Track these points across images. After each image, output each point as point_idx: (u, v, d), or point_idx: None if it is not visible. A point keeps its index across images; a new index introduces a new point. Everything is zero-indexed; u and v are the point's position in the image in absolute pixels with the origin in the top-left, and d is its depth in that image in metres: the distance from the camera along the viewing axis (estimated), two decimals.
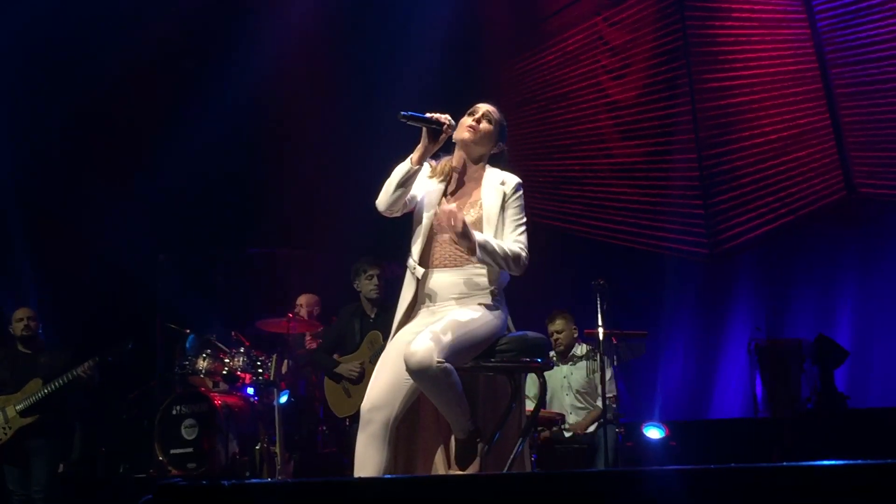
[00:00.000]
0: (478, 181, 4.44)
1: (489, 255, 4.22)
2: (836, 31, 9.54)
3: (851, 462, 2.93)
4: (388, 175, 4.50)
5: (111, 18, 9.93)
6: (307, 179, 10.20)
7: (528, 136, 10.63)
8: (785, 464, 3.13)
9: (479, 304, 4.31)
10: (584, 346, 7.84)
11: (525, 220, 4.41)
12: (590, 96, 10.50)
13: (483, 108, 4.50)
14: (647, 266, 10.04)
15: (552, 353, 7.70)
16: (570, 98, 10.59)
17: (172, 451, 8.21)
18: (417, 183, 4.48)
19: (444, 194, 4.49)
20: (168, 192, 10.30)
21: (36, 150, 10.14)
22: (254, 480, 7.39)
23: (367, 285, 7.80)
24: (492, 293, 4.34)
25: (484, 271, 4.34)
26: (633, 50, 10.36)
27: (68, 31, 9.85)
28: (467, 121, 4.47)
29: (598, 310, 7.13)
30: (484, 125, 4.46)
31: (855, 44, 9.47)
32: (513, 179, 4.44)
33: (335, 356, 7.96)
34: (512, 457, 4.28)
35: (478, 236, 4.20)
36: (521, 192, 4.44)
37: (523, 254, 4.31)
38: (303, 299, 8.92)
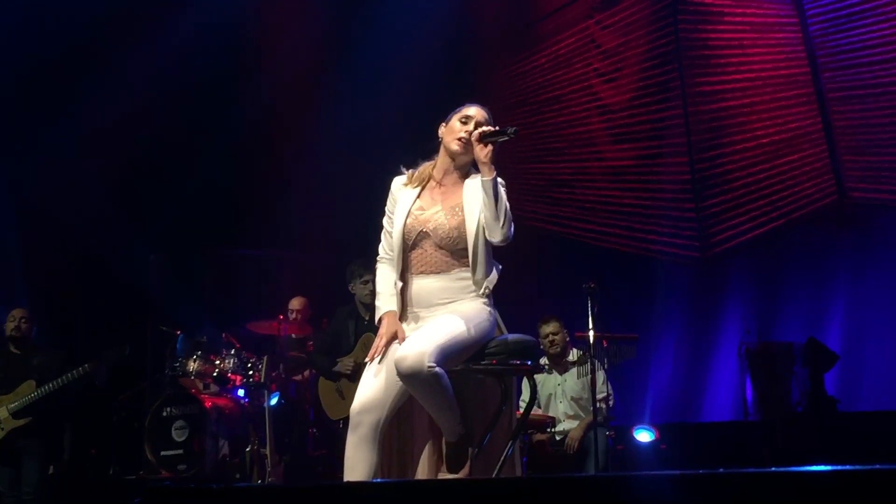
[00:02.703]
0: (460, 186, 4.39)
1: (498, 190, 4.22)
2: (827, 36, 9.55)
3: (842, 468, 2.93)
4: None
5: (111, 17, 9.91)
6: (298, 181, 10.19)
7: (519, 140, 10.51)
8: (775, 469, 3.12)
9: (469, 305, 4.28)
10: (576, 351, 7.82)
11: (509, 207, 4.33)
12: (582, 99, 10.51)
13: (477, 115, 4.39)
14: (638, 269, 10.04)
15: (543, 359, 7.68)
16: (562, 101, 10.59)
17: (163, 453, 8.21)
18: (395, 195, 4.48)
19: (418, 197, 4.43)
20: (159, 194, 10.29)
21: (28, 151, 10.11)
22: (242, 484, 7.38)
23: (362, 290, 7.79)
24: (480, 294, 4.31)
25: (469, 274, 4.31)
26: (625, 53, 10.36)
27: (64, 29, 9.84)
28: (460, 129, 4.37)
29: (589, 313, 7.13)
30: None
31: (847, 48, 9.48)
32: None
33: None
34: (502, 460, 4.26)
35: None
36: (502, 188, 4.36)
37: (513, 225, 4.27)
38: (296, 303, 8.90)
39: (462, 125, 4.38)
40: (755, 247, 9.82)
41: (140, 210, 10.11)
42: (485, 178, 4.22)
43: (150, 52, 10.01)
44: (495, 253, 4.41)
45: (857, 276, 9.32)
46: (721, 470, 3.07)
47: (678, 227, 9.99)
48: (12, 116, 9.95)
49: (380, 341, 4.31)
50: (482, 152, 4.23)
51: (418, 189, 4.45)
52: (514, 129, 4.23)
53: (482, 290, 4.30)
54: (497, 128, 4.31)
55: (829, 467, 2.96)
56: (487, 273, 4.31)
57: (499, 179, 4.32)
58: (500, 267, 4.41)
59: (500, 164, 4.45)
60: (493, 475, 4.19)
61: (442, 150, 4.46)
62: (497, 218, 4.21)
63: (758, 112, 9.84)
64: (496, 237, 4.24)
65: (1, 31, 9.61)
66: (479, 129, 4.29)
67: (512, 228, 4.26)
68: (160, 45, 10.04)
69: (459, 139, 4.35)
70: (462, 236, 4.29)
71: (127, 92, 10.01)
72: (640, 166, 10.23)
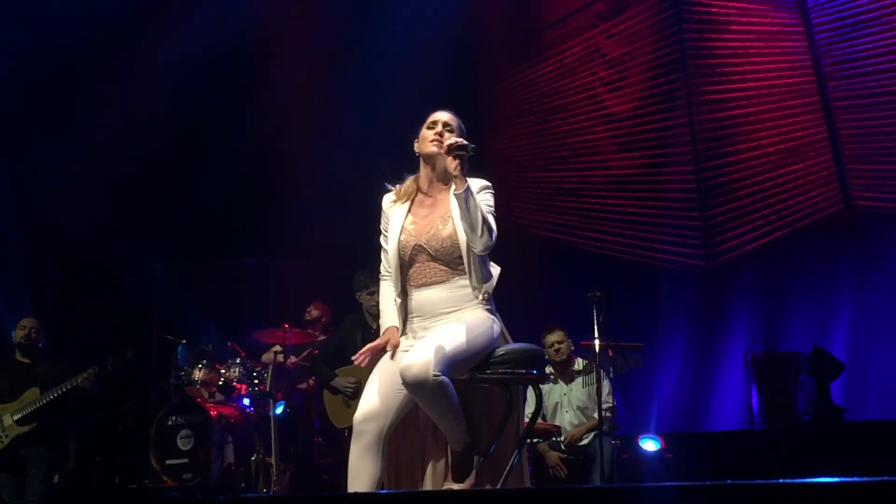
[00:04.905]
0: (447, 194, 4.38)
1: (470, 201, 4.15)
2: (833, 44, 9.56)
3: (850, 479, 2.92)
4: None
5: (115, 24, 9.93)
6: (303, 190, 10.19)
7: (524, 148, 10.63)
8: (783, 480, 3.11)
9: (473, 314, 4.27)
10: (581, 360, 7.81)
11: (494, 213, 4.31)
12: (587, 108, 10.50)
13: (443, 117, 4.42)
14: (643, 278, 10.04)
15: (549, 368, 7.68)
16: (567, 109, 10.59)
17: (168, 462, 8.20)
18: (386, 213, 4.48)
19: (409, 212, 4.43)
20: (165, 202, 10.30)
21: (33, 161, 10.13)
22: (250, 495, 7.38)
23: (369, 301, 7.76)
24: (482, 302, 4.30)
25: (468, 282, 4.30)
26: (630, 62, 10.37)
27: (67, 37, 9.86)
28: (429, 134, 4.39)
29: (595, 322, 7.12)
30: (447, 136, 4.34)
31: (852, 57, 9.48)
32: (480, 181, 4.37)
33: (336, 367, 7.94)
34: (508, 469, 4.26)
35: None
36: (489, 190, 4.37)
37: (494, 231, 4.23)
38: (315, 311, 8.86)
39: (430, 130, 4.40)
40: (760, 255, 9.81)
41: (146, 218, 10.13)
42: (457, 192, 4.19)
43: (155, 61, 10.02)
44: (494, 257, 4.40)
45: (863, 285, 9.31)
46: (729, 481, 3.06)
47: (683, 235, 9.98)
48: (17, 125, 9.96)
49: (372, 345, 4.34)
50: (451, 164, 4.20)
51: (408, 204, 4.46)
52: (472, 146, 4.21)
53: (481, 296, 4.30)
54: (464, 141, 4.29)
55: (837, 479, 2.95)
56: (484, 278, 4.31)
57: (484, 181, 4.36)
58: (499, 269, 4.40)
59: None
60: (499, 484, 4.19)
61: (421, 162, 4.48)
62: (474, 229, 4.18)
63: (763, 121, 9.84)
64: (477, 247, 4.23)
65: (4, 40, 9.62)
66: (450, 141, 4.26)
67: (493, 236, 4.22)
68: (166, 54, 10.06)
69: (431, 140, 4.36)
70: (456, 245, 4.29)
71: (133, 100, 10.01)
72: (645, 175, 10.23)
